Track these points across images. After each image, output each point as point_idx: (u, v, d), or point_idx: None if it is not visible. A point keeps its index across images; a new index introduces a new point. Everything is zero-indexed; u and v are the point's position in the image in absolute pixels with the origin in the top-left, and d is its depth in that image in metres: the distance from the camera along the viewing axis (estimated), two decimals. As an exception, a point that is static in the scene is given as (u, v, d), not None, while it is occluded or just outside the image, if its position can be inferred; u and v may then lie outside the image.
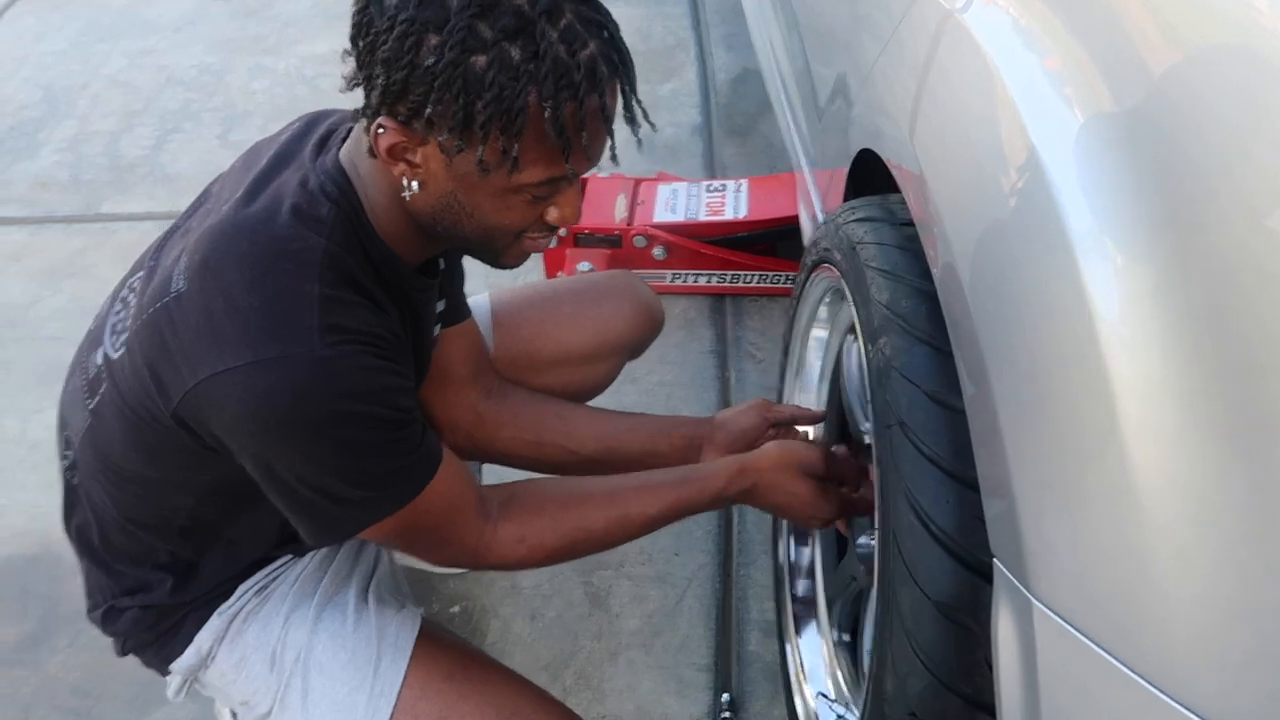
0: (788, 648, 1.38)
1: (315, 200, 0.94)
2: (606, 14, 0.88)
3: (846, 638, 1.33)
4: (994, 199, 0.82)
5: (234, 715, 1.25)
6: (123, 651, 1.16)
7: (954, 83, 0.94)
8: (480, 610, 1.67)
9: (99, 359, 1.03)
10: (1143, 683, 0.64)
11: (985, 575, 0.83)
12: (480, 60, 0.82)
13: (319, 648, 1.11)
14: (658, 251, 2.14)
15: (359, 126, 0.95)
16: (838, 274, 1.13)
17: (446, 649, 1.16)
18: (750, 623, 1.62)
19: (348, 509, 0.95)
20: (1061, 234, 0.72)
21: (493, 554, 1.06)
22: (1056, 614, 0.71)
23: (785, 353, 1.46)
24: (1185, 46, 0.71)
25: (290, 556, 1.16)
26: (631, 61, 0.90)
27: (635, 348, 1.45)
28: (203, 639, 1.11)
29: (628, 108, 0.91)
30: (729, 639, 1.59)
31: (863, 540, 1.28)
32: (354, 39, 0.88)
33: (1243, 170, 0.62)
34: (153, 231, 1.17)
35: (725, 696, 1.51)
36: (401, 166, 0.90)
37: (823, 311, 1.34)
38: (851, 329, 1.29)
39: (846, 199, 1.34)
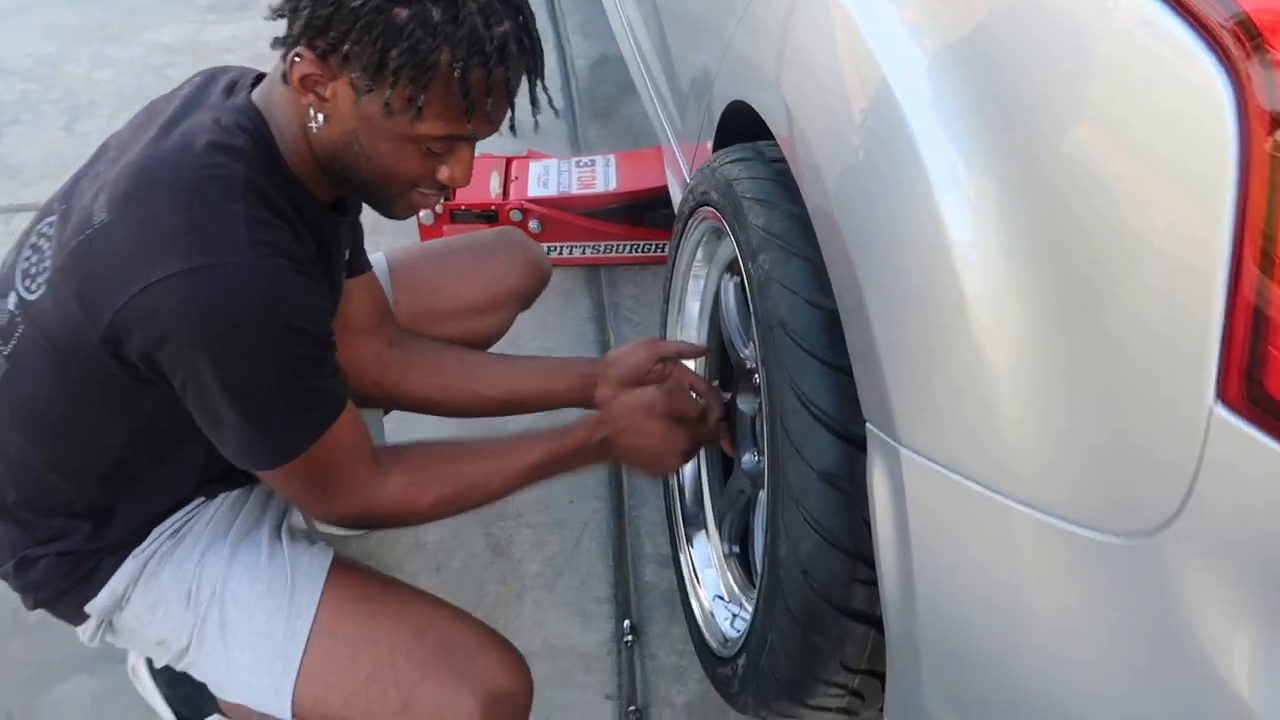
0: (682, 557, 1.50)
1: (231, 133, 1.00)
2: (524, 0, 0.98)
3: (736, 549, 1.48)
4: (855, 126, 0.97)
5: (150, 665, 1.27)
6: (35, 604, 1.17)
7: (813, 28, 1.09)
8: (384, 568, 1.73)
9: (10, 305, 1.04)
10: (991, 493, 0.79)
11: (860, 445, 0.98)
12: (403, 12, 0.91)
13: (234, 581, 1.15)
14: (533, 225, 2.24)
15: (276, 60, 1.01)
16: (716, 212, 1.27)
17: (360, 574, 1.21)
18: (645, 557, 1.75)
19: (267, 435, 1.00)
20: (914, 154, 0.87)
21: (382, 501, 1.09)
22: (919, 454, 0.86)
23: (666, 298, 1.59)
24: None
25: (203, 499, 1.19)
26: (541, 47, 1.00)
27: (526, 298, 1.55)
28: (117, 582, 1.14)
29: (532, 89, 1.01)
30: (626, 572, 1.71)
31: (747, 458, 1.42)
32: None
33: (1066, 96, 0.78)
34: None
35: (626, 623, 1.62)
36: (310, 98, 0.97)
37: (700, 253, 1.48)
38: (729, 267, 1.44)
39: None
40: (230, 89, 1.06)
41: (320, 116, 0.98)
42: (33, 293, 1.02)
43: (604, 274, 2.32)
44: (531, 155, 2.37)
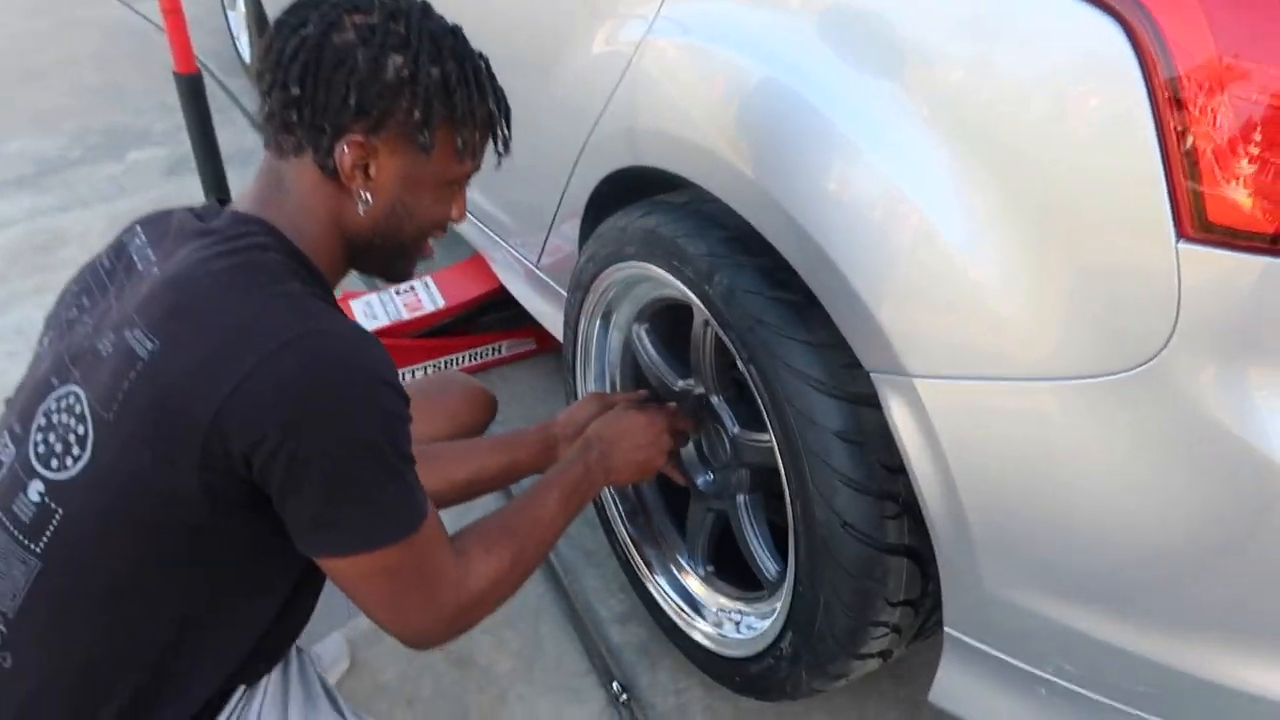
0: (662, 603, 1.59)
1: (243, 236, 1.00)
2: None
3: (711, 568, 1.58)
4: (772, 122, 1.15)
5: None
6: None
7: (694, 78, 1.28)
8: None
9: (34, 495, 0.98)
10: (1007, 382, 0.98)
11: (857, 401, 1.14)
12: (434, 71, 1.01)
13: None
14: (374, 358, 2.26)
15: (278, 170, 1.05)
16: (632, 265, 1.41)
17: None
18: (604, 621, 1.80)
19: (381, 509, 0.96)
20: (832, 133, 1.07)
21: (475, 583, 1.07)
22: (932, 376, 1.03)
23: (573, 365, 1.70)
24: None
25: (243, 689, 1.12)
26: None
27: (481, 429, 1.60)
28: None
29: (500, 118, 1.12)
30: (593, 640, 1.76)
31: (702, 479, 1.55)
32: (280, 84, 1.00)
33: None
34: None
35: (615, 685, 1.67)
36: (359, 179, 1.03)
37: (604, 313, 1.60)
38: (637, 317, 1.57)
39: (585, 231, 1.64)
40: (200, 219, 1.06)
41: (367, 196, 1.04)
42: (69, 468, 0.96)
43: (450, 389, 2.37)
44: (347, 296, 2.40)
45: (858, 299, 1.07)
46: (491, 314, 2.39)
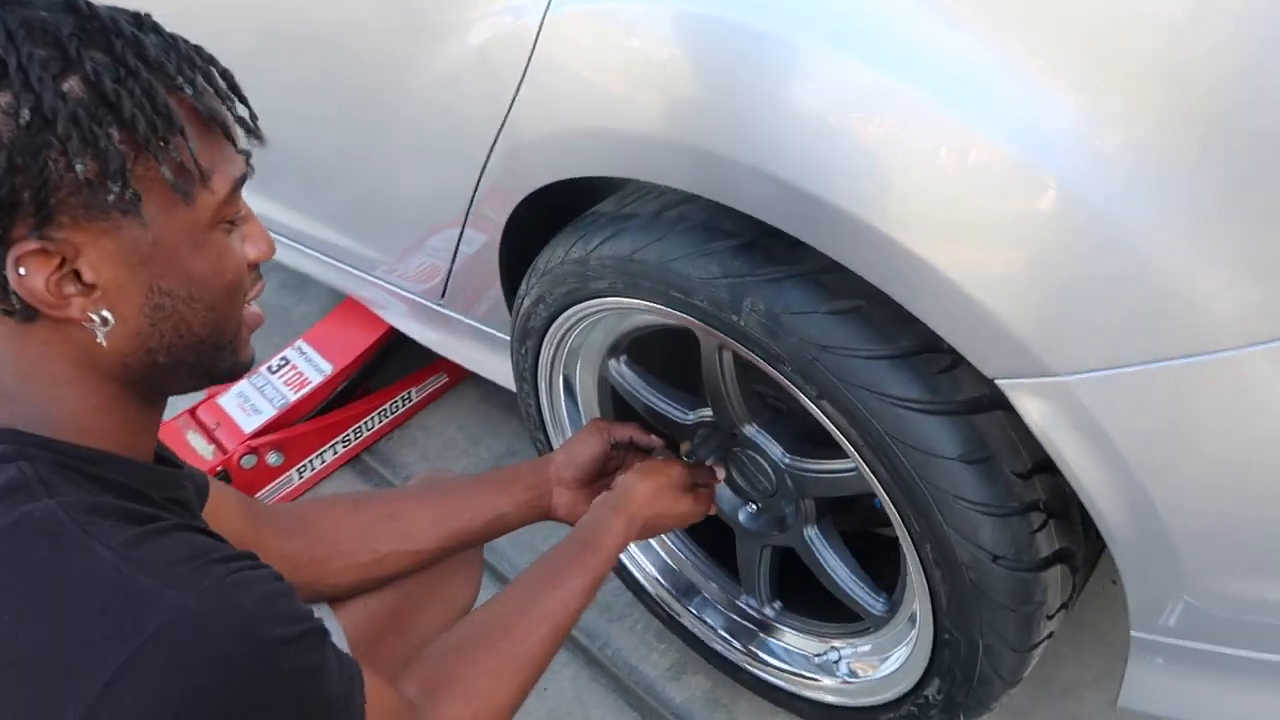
0: (761, 674, 1.36)
1: None
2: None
3: (779, 604, 1.36)
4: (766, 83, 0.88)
5: None
6: None
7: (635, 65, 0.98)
8: None
9: None
10: (1191, 359, 0.76)
11: (968, 410, 0.91)
12: (74, 84, 0.67)
13: None
14: (273, 459, 1.89)
15: None
16: (605, 302, 1.13)
17: None
18: (656, 681, 1.56)
19: None
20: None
21: None
22: (1090, 371, 0.80)
23: (541, 421, 1.41)
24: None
25: None
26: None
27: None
28: None
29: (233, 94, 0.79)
30: (648, 703, 1.52)
31: (744, 514, 1.30)
32: None
33: None
34: None
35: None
36: (77, 301, 0.70)
37: (568, 351, 1.31)
38: (611, 351, 1.29)
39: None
40: None
41: (105, 313, 0.71)
42: None
43: (370, 459, 2.03)
44: (212, 394, 2.00)
45: (970, 300, 0.82)
46: (389, 361, 2.05)
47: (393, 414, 2.05)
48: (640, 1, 0.96)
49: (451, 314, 1.64)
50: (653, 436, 1.26)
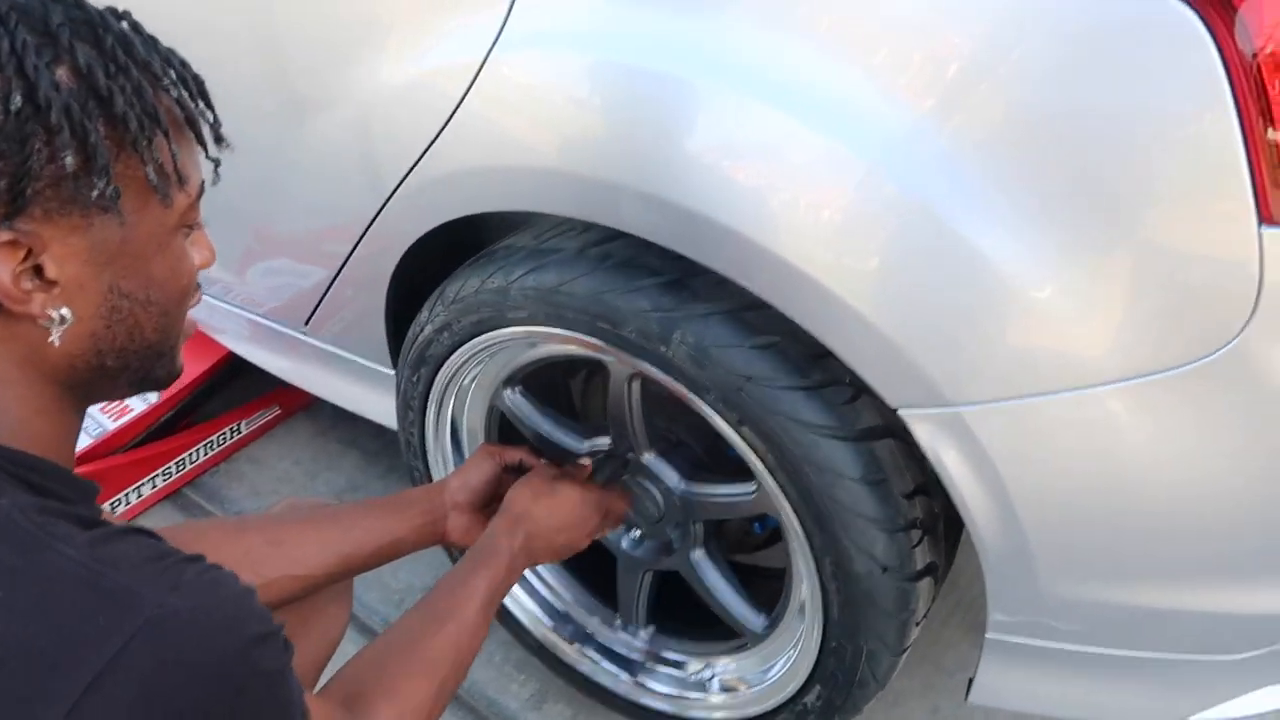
0: (651, 701, 1.41)
1: None
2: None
3: (652, 628, 1.43)
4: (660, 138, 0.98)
5: None
6: None
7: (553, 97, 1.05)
8: None
9: None
10: (1073, 392, 0.91)
11: (868, 437, 1.04)
12: (63, 73, 0.67)
13: None
14: (87, 490, 1.76)
15: None
16: (520, 331, 1.17)
17: None
18: (517, 713, 1.58)
19: None
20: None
21: None
22: (980, 402, 0.94)
23: (422, 450, 1.42)
24: None
25: None
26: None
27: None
28: None
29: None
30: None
31: (626, 540, 1.37)
32: None
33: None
34: None
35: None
36: (38, 298, 0.69)
37: (465, 380, 1.34)
38: (507, 382, 1.33)
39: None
40: None
41: (64, 311, 0.69)
42: None
43: (193, 493, 1.92)
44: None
45: (880, 335, 0.94)
46: (219, 392, 1.96)
47: (220, 446, 1.96)
48: (568, 50, 1.04)
49: (313, 341, 1.61)
50: (542, 460, 1.31)
